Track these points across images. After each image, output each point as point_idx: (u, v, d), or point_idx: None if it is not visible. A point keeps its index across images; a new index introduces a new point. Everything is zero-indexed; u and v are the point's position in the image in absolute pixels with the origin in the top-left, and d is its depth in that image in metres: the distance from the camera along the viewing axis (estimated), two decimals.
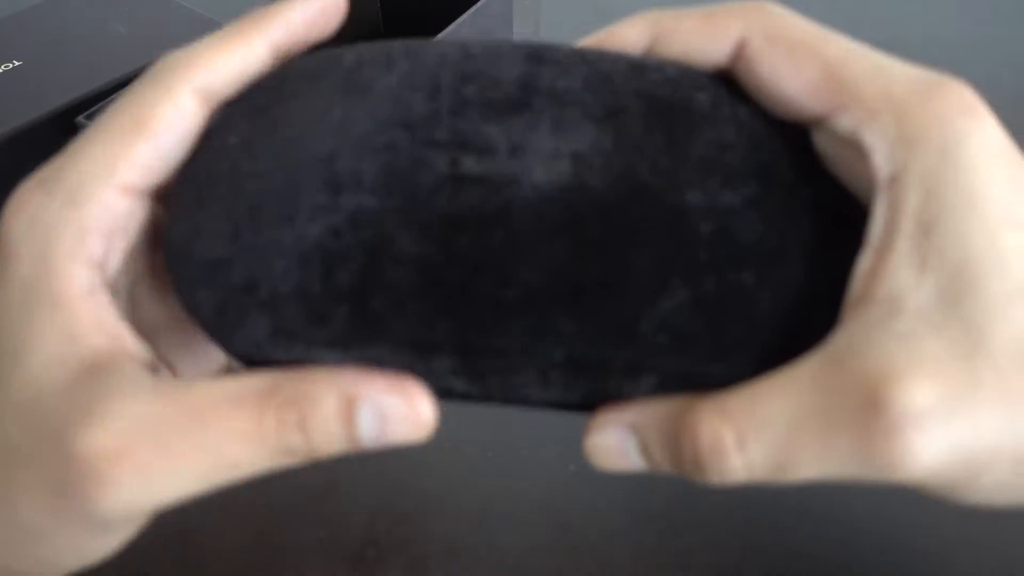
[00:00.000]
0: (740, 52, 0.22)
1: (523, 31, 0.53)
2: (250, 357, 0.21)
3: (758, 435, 0.19)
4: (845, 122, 0.21)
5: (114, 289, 0.22)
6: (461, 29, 0.43)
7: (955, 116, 0.19)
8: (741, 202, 0.21)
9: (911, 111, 0.20)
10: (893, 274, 0.19)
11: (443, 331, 0.21)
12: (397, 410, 0.20)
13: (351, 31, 0.55)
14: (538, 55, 0.23)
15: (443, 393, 0.21)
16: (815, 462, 0.19)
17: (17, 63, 0.45)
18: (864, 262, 0.20)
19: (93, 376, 0.19)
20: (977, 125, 0.19)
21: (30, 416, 0.19)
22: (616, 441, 0.22)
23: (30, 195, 0.20)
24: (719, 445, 0.19)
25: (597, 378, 0.21)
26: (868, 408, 0.18)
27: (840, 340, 0.19)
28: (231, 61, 0.22)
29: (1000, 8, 0.60)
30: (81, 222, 0.20)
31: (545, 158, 0.21)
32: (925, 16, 0.60)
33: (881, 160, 0.20)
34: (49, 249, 0.20)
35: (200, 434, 0.19)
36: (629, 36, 0.23)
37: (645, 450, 0.21)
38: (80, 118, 0.40)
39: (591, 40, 0.24)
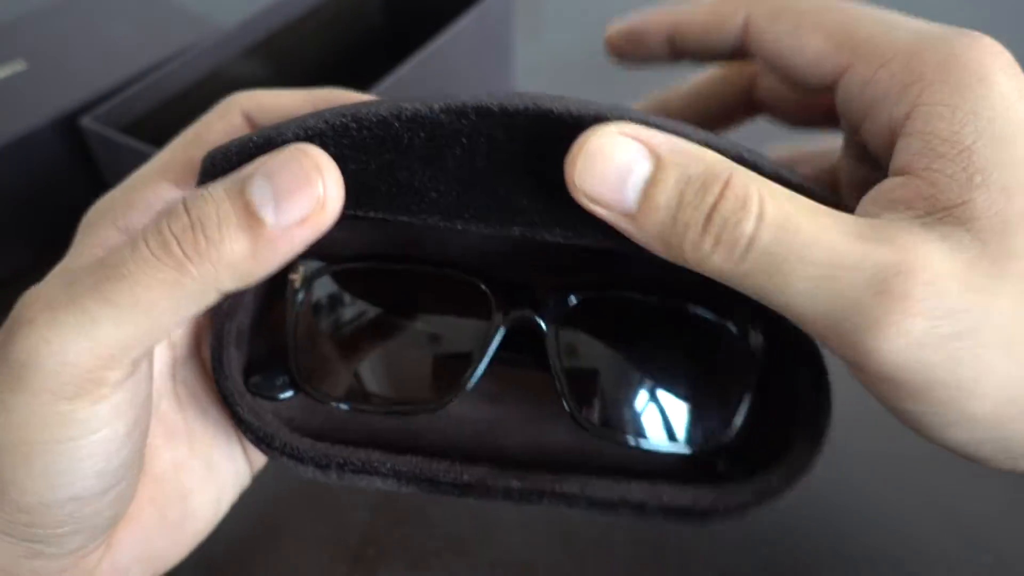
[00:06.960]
0: (747, 33, 0.24)
1: (523, 31, 0.53)
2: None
3: (774, 226, 0.18)
4: (854, 81, 0.21)
5: None
6: (462, 29, 0.43)
7: (967, 54, 0.20)
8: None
9: (919, 55, 0.20)
10: (942, 190, 0.19)
11: None
12: (286, 166, 0.19)
13: (352, 30, 0.55)
14: None
15: None
16: (802, 297, 0.18)
17: (21, 66, 0.45)
18: (888, 185, 0.19)
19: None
20: (991, 61, 0.19)
21: None
22: (623, 159, 0.18)
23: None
24: (745, 204, 0.18)
25: None
26: (886, 280, 0.17)
27: (894, 218, 0.19)
28: (279, 103, 0.25)
29: (1000, 9, 0.60)
30: (127, 200, 0.23)
31: None
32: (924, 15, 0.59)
33: (894, 99, 0.20)
34: (99, 219, 0.23)
35: (107, 278, 0.19)
36: (651, 31, 0.26)
37: (650, 189, 0.18)
38: (83, 120, 0.40)
39: (616, 32, 0.27)
